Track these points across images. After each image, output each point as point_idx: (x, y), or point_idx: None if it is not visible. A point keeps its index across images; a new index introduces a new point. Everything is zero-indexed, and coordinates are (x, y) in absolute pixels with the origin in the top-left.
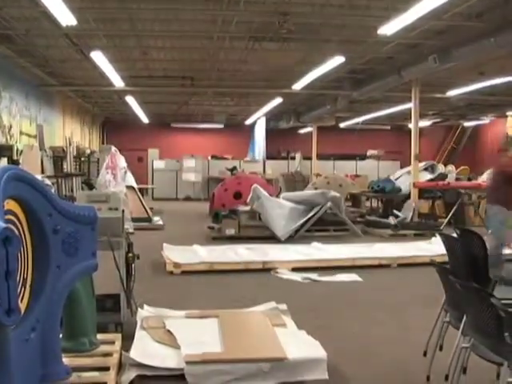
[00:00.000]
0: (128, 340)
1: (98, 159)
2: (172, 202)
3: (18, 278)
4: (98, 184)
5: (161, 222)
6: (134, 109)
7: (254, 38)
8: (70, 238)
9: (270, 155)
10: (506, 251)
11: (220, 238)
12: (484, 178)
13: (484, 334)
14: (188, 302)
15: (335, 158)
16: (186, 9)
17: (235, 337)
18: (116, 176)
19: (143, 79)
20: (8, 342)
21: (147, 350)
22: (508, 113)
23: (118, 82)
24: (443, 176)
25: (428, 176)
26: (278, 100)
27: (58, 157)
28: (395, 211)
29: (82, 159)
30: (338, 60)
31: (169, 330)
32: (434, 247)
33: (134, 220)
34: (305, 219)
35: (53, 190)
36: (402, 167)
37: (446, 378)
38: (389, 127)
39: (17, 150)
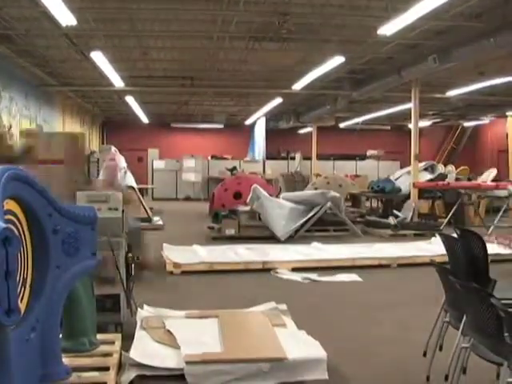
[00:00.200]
0: (128, 340)
1: (98, 159)
2: (172, 202)
3: (17, 278)
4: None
5: (161, 222)
6: (134, 109)
7: (253, 37)
8: (70, 238)
9: (270, 155)
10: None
11: (220, 238)
12: (484, 178)
13: (484, 334)
14: (188, 302)
15: (335, 158)
16: (186, 9)
17: (235, 337)
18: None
19: (143, 79)
20: (8, 342)
21: (147, 350)
22: (508, 113)
23: (117, 82)
24: (443, 176)
25: (428, 176)
26: (278, 100)
27: None
28: (395, 211)
29: None
30: (337, 60)
31: (169, 330)
32: (433, 247)
33: None
34: (305, 219)
35: None
36: (401, 167)
37: (446, 378)
38: (389, 127)
39: None
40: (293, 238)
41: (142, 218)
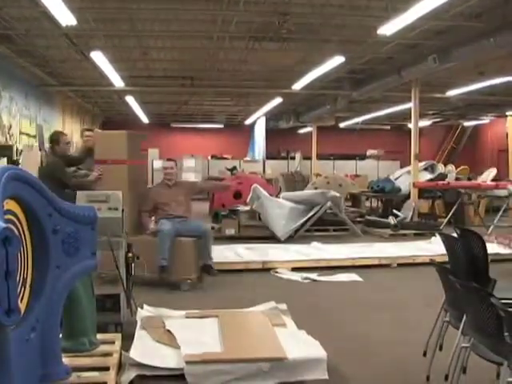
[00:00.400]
0: (128, 340)
1: None
2: None
3: (17, 277)
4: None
5: None
6: (134, 109)
7: (253, 37)
8: (70, 237)
9: (270, 155)
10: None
11: (220, 238)
12: (483, 178)
13: (484, 334)
14: (188, 302)
15: (335, 157)
16: (186, 9)
17: (235, 337)
18: None
19: (143, 79)
20: (8, 342)
21: (147, 350)
22: (508, 112)
23: (117, 81)
24: (443, 176)
25: (428, 176)
26: (278, 100)
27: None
28: (395, 211)
29: None
30: (337, 60)
31: (169, 330)
32: (433, 247)
33: None
34: (304, 219)
35: None
36: (401, 167)
37: (446, 377)
38: (389, 127)
39: (16, 149)
40: (293, 238)
41: None
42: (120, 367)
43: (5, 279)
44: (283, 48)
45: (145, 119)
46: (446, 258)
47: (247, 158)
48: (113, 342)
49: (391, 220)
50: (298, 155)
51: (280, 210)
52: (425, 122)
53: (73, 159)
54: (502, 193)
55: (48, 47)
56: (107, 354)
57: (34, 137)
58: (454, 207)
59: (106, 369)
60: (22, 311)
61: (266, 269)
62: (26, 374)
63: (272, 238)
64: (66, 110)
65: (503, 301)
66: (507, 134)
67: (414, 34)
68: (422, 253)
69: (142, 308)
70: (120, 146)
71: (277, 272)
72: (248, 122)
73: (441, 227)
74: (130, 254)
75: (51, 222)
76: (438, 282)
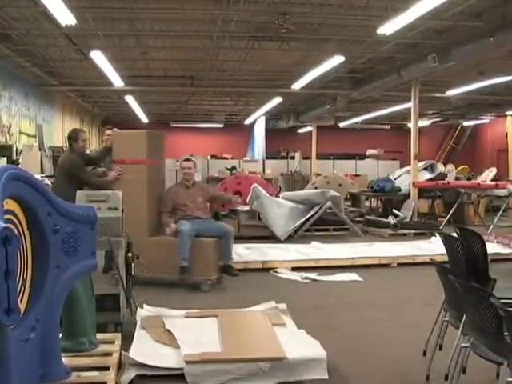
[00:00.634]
0: (128, 340)
1: None
2: None
3: (17, 277)
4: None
5: None
6: (134, 108)
7: (253, 37)
8: (70, 237)
9: (270, 155)
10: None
11: None
12: (483, 178)
13: (484, 334)
14: (187, 302)
15: (335, 157)
16: (186, 9)
17: (235, 336)
18: None
19: (143, 79)
20: (8, 341)
21: (147, 350)
22: (507, 112)
23: (117, 81)
24: (443, 175)
25: (427, 175)
26: (278, 99)
27: (58, 156)
28: (395, 211)
29: None
30: (337, 60)
31: (168, 330)
32: (433, 246)
33: None
34: (304, 219)
35: None
36: (401, 167)
37: (446, 377)
38: (388, 127)
39: (16, 149)
40: (292, 238)
41: None
42: (120, 367)
43: (4, 279)
44: (283, 48)
45: (144, 119)
46: (446, 258)
47: (247, 158)
48: (112, 342)
49: (391, 220)
50: (297, 155)
51: (280, 210)
52: (424, 122)
53: (91, 158)
54: (502, 192)
55: (48, 47)
56: (107, 354)
57: (34, 136)
58: (454, 207)
59: (106, 368)
60: (22, 311)
61: (265, 268)
62: (26, 373)
63: (272, 238)
64: (65, 110)
65: (503, 300)
66: (507, 134)
67: (413, 34)
68: (421, 252)
69: (141, 308)
70: (139, 146)
71: (277, 272)
72: (248, 121)
73: (440, 227)
74: (130, 254)
75: (51, 222)
76: (438, 281)
